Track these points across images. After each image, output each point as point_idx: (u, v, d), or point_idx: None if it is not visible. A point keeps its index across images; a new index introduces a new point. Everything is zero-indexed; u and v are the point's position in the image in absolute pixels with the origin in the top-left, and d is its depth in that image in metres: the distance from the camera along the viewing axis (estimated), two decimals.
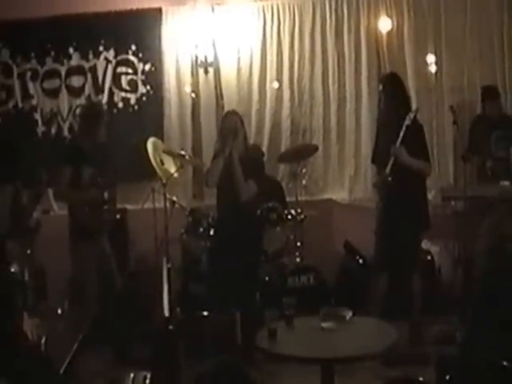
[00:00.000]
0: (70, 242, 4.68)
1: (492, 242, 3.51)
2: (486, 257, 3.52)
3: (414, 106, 4.96)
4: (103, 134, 4.79)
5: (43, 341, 3.50)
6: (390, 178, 4.54)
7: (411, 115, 4.59)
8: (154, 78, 6.30)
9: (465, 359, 3.24)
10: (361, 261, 5.63)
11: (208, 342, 4.60)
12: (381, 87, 4.92)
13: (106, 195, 4.73)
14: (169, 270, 5.00)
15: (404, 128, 4.53)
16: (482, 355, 3.02)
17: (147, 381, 3.71)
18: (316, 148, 5.92)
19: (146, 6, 6.22)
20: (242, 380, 3.33)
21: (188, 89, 6.31)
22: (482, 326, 3.14)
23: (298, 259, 5.43)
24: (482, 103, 5.67)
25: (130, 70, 6.31)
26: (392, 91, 4.72)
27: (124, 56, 6.30)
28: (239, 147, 4.60)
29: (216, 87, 6.29)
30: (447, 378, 3.12)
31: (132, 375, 3.79)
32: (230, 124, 4.64)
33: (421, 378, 3.48)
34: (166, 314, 4.61)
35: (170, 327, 4.42)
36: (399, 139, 4.52)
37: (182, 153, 5.41)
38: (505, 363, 2.85)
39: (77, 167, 4.61)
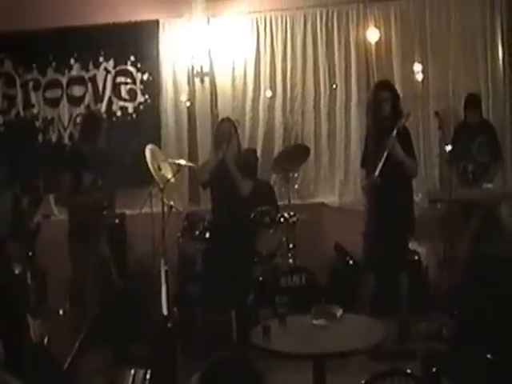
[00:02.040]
0: (69, 245, 4.76)
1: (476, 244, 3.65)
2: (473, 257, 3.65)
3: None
4: (103, 141, 4.88)
5: (46, 341, 3.61)
6: (378, 180, 4.65)
7: (402, 121, 4.73)
8: (152, 88, 6.44)
9: (451, 353, 3.40)
10: (350, 261, 5.73)
11: (204, 340, 4.67)
12: (372, 93, 5.03)
13: (105, 200, 4.81)
14: (166, 271, 5.10)
15: (395, 132, 4.65)
16: (467, 349, 3.18)
17: (147, 376, 3.86)
18: (308, 149, 6.00)
19: (143, 18, 6.36)
20: (249, 374, 3.44)
21: (184, 97, 6.44)
22: (468, 321, 3.30)
23: (290, 260, 5.51)
24: (465, 111, 5.81)
25: (128, 80, 6.47)
26: (386, 94, 4.82)
27: (123, 66, 6.45)
28: (233, 152, 4.73)
29: (211, 96, 6.43)
30: (433, 370, 3.29)
31: (132, 372, 3.93)
32: (224, 130, 4.77)
33: (408, 371, 3.65)
34: (165, 312, 4.72)
35: (169, 325, 4.54)
36: (393, 134, 4.63)
37: (181, 162, 5.53)
38: (489, 356, 3.03)
39: (77, 173, 4.71)
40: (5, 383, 2.70)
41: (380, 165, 4.65)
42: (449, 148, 5.46)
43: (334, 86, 6.40)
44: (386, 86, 4.98)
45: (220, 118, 5.46)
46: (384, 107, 4.80)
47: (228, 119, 5.01)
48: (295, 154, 5.79)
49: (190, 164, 5.88)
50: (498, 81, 6.18)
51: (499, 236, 5.18)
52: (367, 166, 4.99)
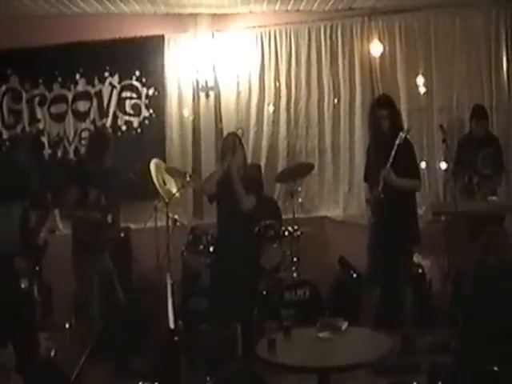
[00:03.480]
0: (73, 259, 4.79)
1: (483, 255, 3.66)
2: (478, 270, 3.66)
3: (405, 126, 5.07)
4: (110, 159, 4.90)
5: (52, 354, 3.63)
6: (381, 195, 4.67)
7: (402, 135, 4.72)
8: (157, 102, 6.47)
9: (456, 366, 3.39)
10: (354, 275, 5.74)
11: (210, 353, 4.67)
12: (373, 108, 5.02)
13: (110, 215, 4.82)
14: (172, 285, 5.11)
15: (395, 147, 4.66)
16: (472, 362, 3.18)
17: None
18: (312, 166, 6.01)
19: (149, 33, 6.40)
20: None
21: (189, 112, 6.47)
22: (472, 335, 3.30)
23: (294, 274, 5.50)
24: (471, 122, 5.80)
25: (134, 95, 6.50)
26: (384, 112, 4.83)
27: (128, 81, 6.49)
28: (238, 163, 4.78)
29: (216, 110, 6.47)
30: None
31: None
32: (229, 142, 4.84)
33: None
34: (171, 326, 4.72)
35: (175, 338, 4.55)
36: (390, 159, 4.64)
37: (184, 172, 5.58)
38: (495, 368, 3.02)
39: (82, 188, 4.74)
40: None
41: (380, 185, 4.68)
42: (452, 162, 5.50)
43: (336, 100, 6.42)
44: (383, 103, 4.97)
45: (225, 134, 5.49)
46: (383, 124, 4.82)
47: (233, 133, 5.10)
48: (297, 173, 5.82)
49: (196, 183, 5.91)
50: (502, 93, 6.20)
51: (505, 248, 5.17)
52: (370, 181, 5.02)
